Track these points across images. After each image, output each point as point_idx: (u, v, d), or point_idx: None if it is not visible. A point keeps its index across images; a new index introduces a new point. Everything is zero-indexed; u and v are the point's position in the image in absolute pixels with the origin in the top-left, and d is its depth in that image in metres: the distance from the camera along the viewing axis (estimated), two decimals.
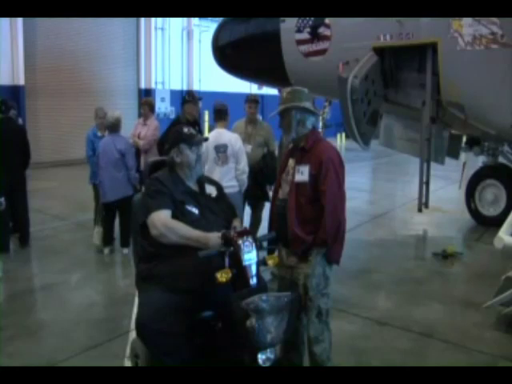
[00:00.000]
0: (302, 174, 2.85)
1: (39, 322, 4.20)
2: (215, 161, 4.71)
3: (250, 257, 2.41)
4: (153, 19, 16.06)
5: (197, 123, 5.61)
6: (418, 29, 5.42)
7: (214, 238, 2.50)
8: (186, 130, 2.86)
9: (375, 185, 12.41)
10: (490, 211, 7.32)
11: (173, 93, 16.72)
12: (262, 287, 2.45)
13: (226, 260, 2.39)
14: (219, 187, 3.02)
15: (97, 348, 3.68)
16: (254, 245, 2.44)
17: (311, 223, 2.83)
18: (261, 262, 2.53)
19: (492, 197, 7.32)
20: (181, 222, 2.60)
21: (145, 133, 6.53)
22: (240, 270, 2.39)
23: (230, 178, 4.74)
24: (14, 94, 12.21)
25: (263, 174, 5.29)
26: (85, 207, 7.38)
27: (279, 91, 6.15)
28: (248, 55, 7.02)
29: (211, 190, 2.96)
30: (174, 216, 2.62)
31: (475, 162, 8.38)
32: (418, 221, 7.58)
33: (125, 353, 3.08)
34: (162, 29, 16.60)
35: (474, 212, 7.50)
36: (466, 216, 7.61)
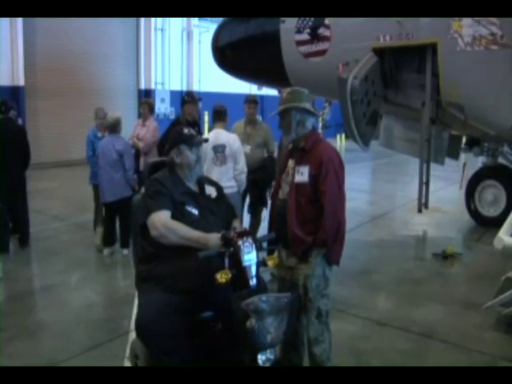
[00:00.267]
0: (302, 174, 2.85)
1: (39, 322, 4.20)
2: (213, 161, 4.71)
3: (249, 257, 2.41)
4: (153, 20, 16.06)
5: (196, 124, 5.62)
6: (418, 29, 5.42)
7: (214, 238, 2.50)
8: (186, 130, 2.87)
9: (375, 185, 12.40)
10: (490, 212, 7.32)
11: (172, 93, 16.72)
12: (261, 288, 2.45)
13: (226, 261, 2.39)
14: (219, 188, 3.02)
15: (97, 348, 3.68)
16: (253, 245, 2.45)
17: (311, 224, 2.83)
18: (261, 263, 2.53)
19: (492, 197, 7.32)
20: (180, 222, 2.60)
21: (144, 134, 6.50)
22: (240, 270, 2.39)
23: (229, 178, 4.74)
24: (14, 94, 12.19)
25: (263, 179, 5.29)
26: (85, 208, 7.36)
27: (279, 92, 6.16)
28: (248, 56, 7.03)
29: (211, 191, 2.97)
30: (174, 217, 2.62)
31: (475, 162, 8.38)
32: (418, 221, 7.58)
33: (125, 353, 3.08)
34: (162, 29, 16.59)
35: (474, 212, 7.50)
36: (465, 216, 7.61)
